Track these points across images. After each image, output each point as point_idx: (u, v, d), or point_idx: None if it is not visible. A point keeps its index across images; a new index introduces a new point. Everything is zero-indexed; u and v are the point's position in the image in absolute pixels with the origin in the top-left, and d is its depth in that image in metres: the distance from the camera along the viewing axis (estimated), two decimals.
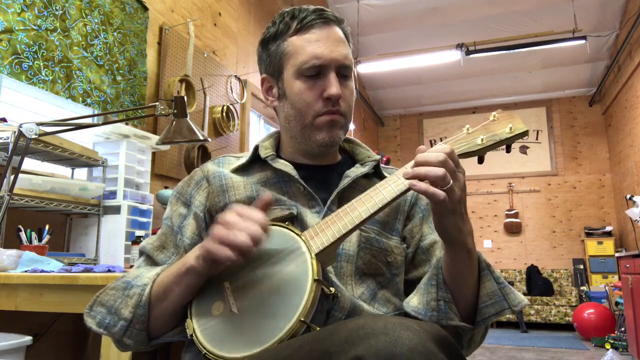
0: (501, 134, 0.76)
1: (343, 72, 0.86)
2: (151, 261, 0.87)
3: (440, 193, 0.65)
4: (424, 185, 0.66)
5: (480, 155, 0.76)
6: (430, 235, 0.91)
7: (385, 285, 0.85)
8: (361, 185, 0.81)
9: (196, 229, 0.87)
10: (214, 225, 0.68)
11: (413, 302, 0.78)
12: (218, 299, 0.71)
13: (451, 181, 0.66)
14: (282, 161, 0.89)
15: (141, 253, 0.90)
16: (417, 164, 0.68)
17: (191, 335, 0.69)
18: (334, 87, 0.83)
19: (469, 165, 0.73)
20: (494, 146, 0.76)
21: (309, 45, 0.84)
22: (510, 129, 0.75)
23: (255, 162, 0.92)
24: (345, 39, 0.89)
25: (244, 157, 0.93)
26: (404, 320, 0.54)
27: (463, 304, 0.76)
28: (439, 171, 0.65)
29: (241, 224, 0.66)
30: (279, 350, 0.59)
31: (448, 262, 0.75)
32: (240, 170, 0.91)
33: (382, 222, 0.88)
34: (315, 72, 0.84)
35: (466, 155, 0.75)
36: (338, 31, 0.88)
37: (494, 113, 0.78)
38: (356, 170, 0.90)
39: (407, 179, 0.68)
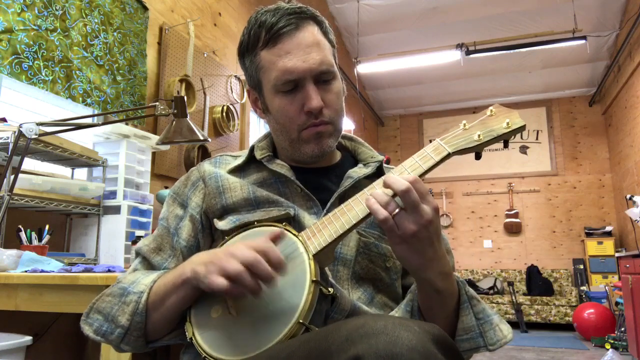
0: (498, 129, 0.73)
1: (322, 77, 0.82)
2: (147, 263, 0.87)
3: (381, 212, 0.64)
4: (371, 200, 0.65)
5: (477, 151, 0.74)
6: None
7: (383, 290, 0.84)
8: (363, 187, 0.79)
9: (192, 230, 0.86)
10: (219, 251, 0.68)
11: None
12: (217, 302, 0.71)
13: (397, 209, 0.64)
14: (279, 162, 0.88)
15: (137, 254, 0.89)
16: (385, 183, 0.67)
17: (190, 339, 0.69)
18: (313, 100, 0.79)
19: (469, 165, 0.71)
20: (491, 142, 0.74)
21: (280, 60, 0.79)
22: (508, 124, 0.73)
23: (252, 162, 0.90)
24: (320, 37, 0.83)
25: (242, 157, 0.91)
26: (404, 321, 0.54)
27: None
28: (384, 196, 0.65)
29: (243, 255, 0.64)
30: (278, 350, 0.59)
31: (418, 294, 0.74)
32: (237, 171, 0.90)
33: None
34: (292, 87, 0.81)
35: (463, 151, 0.73)
36: (312, 32, 0.82)
37: (491, 108, 0.76)
38: (359, 171, 0.87)
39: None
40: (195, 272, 0.68)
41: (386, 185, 0.66)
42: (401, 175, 0.69)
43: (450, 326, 0.74)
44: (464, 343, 0.73)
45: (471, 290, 0.76)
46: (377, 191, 0.67)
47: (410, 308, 0.75)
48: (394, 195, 0.65)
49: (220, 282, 0.63)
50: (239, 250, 0.65)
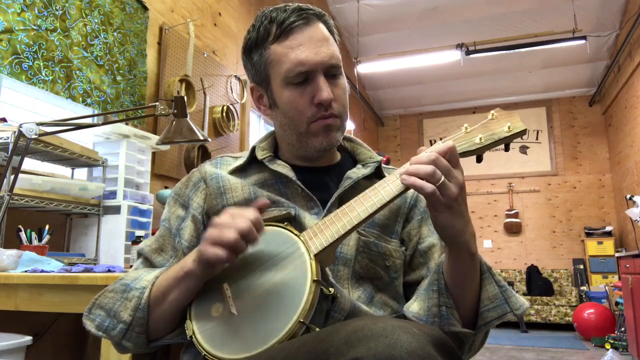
0: (500, 133, 0.75)
1: (332, 72, 0.84)
2: (149, 263, 0.87)
3: (428, 185, 0.65)
4: (412, 178, 0.67)
5: (478, 154, 0.76)
6: (429, 238, 0.89)
7: (382, 289, 0.84)
8: (362, 187, 0.79)
9: (194, 231, 0.86)
10: (208, 229, 0.69)
11: (413, 308, 0.77)
12: (217, 301, 0.71)
13: (442, 178, 0.66)
14: (280, 162, 0.88)
15: (139, 255, 0.89)
16: (411, 163, 0.69)
17: (190, 337, 0.69)
18: (324, 92, 0.81)
19: (468, 165, 0.72)
20: (492, 145, 0.75)
21: (292, 52, 0.81)
22: (509, 127, 0.75)
23: (253, 163, 0.91)
24: (329, 35, 0.85)
25: (242, 158, 0.92)
26: (403, 323, 0.54)
27: (464, 309, 0.75)
28: (427, 168, 0.66)
29: (231, 223, 0.67)
30: (278, 351, 0.59)
31: (450, 265, 0.74)
32: (238, 171, 0.90)
33: (382, 225, 0.87)
34: (302, 79, 0.82)
35: (465, 154, 0.75)
36: (321, 28, 0.84)
37: (492, 112, 0.78)
38: (358, 172, 0.88)
39: (400, 175, 0.69)
40: (194, 259, 0.70)
41: (413, 161, 0.69)
42: (433, 146, 0.71)
43: (476, 300, 0.75)
44: (490, 312, 0.74)
45: (486, 262, 0.78)
46: (413, 167, 0.68)
47: (437, 287, 0.75)
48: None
49: (220, 253, 0.66)
50: (233, 222, 0.67)
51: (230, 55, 3.67)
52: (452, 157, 0.69)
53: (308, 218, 0.82)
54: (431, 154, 0.67)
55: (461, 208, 0.69)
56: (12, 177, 1.50)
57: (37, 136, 1.46)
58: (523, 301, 0.76)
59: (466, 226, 0.70)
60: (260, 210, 0.71)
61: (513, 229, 7.12)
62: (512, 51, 5.26)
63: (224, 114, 3.38)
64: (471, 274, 0.74)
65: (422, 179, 0.66)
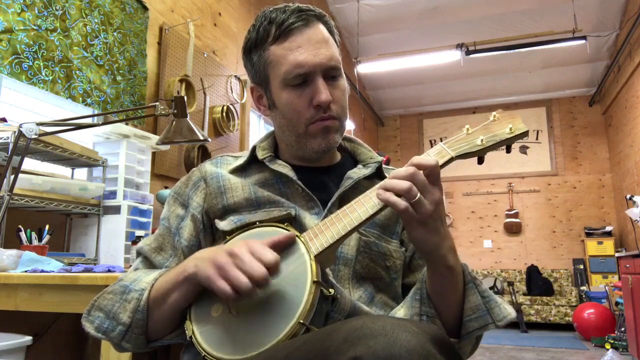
0: (501, 134, 0.75)
1: (331, 73, 0.83)
2: (148, 262, 0.87)
3: (401, 203, 0.65)
4: (387, 194, 0.66)
5: (480, 155, 0.75)
6: None
7: (383, 289, 0.84)
8: (363, 187, 0.79)
9: (194, 230, 0.86)
10: (221, 252, 0.67)
11: (399, 314, 0.78)
12: (217, 301, 0.71)
13: (418, 194, 0.66)
14: (280, 162, 0.88)
15: (138, 254, 0.89)
16: (390, 177, 0.68)
17: (190, 337, 0.69)
18: (322, 93, 0.81)
19: (469, 165, 0.71)
20: (494, 147, 0.75)
21: (291, 54, 0.81)
22: (511, 129, 0.75)
23: (253, 162, 0.91)
24: (328, 36, 0.85)
25: (242, 157, 0.92)
26: (402, 322, 0.54)
27: (447, 318, 0.75)
28: (403, 184, 0.65)
29: (247, 264, 0.64)
30: (278, 350, 0.59)
31: (430, 277, 0.74)
32: (238, 171, 0.90)
33: (382, 225, 0.87)
34: (301, 81, 0.82)
35: (466, 155, 0.74)
36: (321, 29, 0.84)
37: (494, 113, 0.77)
38: (358, 172, 0.88)
39: (377, 190, 0.69)
40: (199, 268, 0.69)
41: (417, 165, 0.68)
42: (420, 157, 0.71)
43: (459, 309, 0.75)
44: (472, 322, 0.74)
45: (472, 272, 0.78)
46: (390, 182, 0.67)
47: (419, 296, 0.75)
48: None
49: (227, 290, 0.63)
50: (250, 265, 0.64)
51: (230, 55, 3.67)
52: (431, 173, 0.68)
53: (308, 218, 0.82)
54: (409, 169, 0.67)
55: (436, 224, 0.68)
56: (12, 177, 1.50)
57: (37, 136, 1.46)
58: (508, 312, 0.75)
59: (442, 241, 0.70)
60: (279, 248, 0.69)
61: (513, 229, 7.12)
62: (512, 51, 5.26)
63: (224, 114, 3.38)
64: (451, 285, 0.73)
65: (397, 195, 0.66)
